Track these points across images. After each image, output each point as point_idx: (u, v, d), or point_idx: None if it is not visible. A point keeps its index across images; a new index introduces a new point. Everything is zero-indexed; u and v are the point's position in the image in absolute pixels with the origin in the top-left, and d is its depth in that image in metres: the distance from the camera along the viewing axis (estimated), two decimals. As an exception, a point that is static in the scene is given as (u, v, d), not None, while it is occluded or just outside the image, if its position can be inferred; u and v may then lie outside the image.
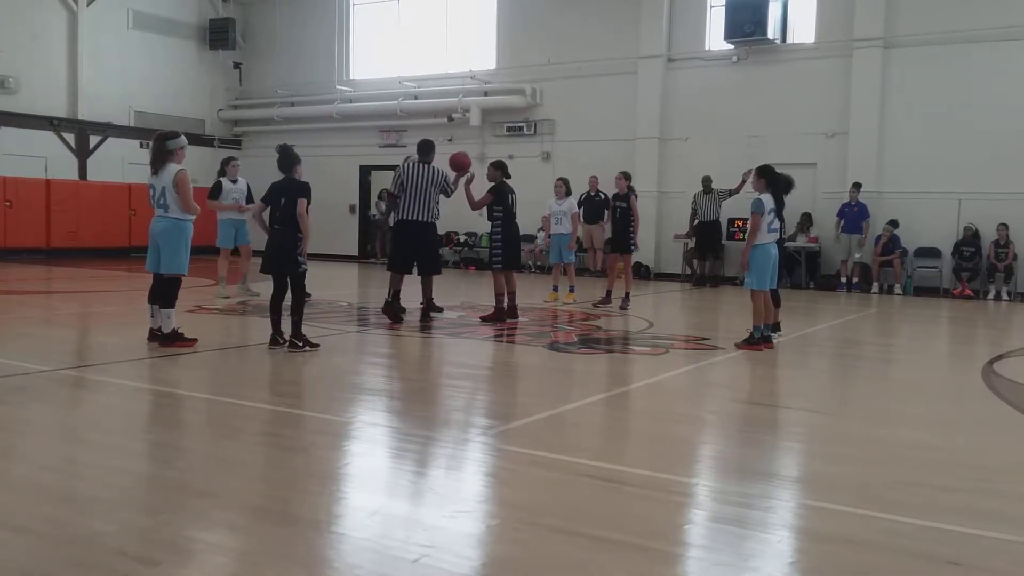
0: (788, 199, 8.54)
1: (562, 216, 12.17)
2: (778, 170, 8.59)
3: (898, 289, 15.22)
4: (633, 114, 17.93)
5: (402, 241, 9.49)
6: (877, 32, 15.63)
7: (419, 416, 5.43)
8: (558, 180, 12.58)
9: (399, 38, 21.48)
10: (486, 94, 19.71)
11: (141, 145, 21.28)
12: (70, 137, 20.15)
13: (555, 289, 12.24)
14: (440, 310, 9.96)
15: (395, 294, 9.47)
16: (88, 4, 20.17)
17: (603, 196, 17.41)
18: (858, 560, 3.14)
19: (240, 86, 23.76)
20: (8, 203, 18.43)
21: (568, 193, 12.33)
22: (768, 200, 8.18)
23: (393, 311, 9.43)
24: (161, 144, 7.35)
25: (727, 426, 5.45)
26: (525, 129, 19.43)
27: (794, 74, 16.51)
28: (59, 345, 8.07)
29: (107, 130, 20.61)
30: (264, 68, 23.37)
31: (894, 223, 15.27)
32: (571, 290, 12.14)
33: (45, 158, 19.57)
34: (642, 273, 17.43)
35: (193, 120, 22.72)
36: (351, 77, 22.16)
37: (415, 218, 9.32)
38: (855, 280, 15.50)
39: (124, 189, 20.39)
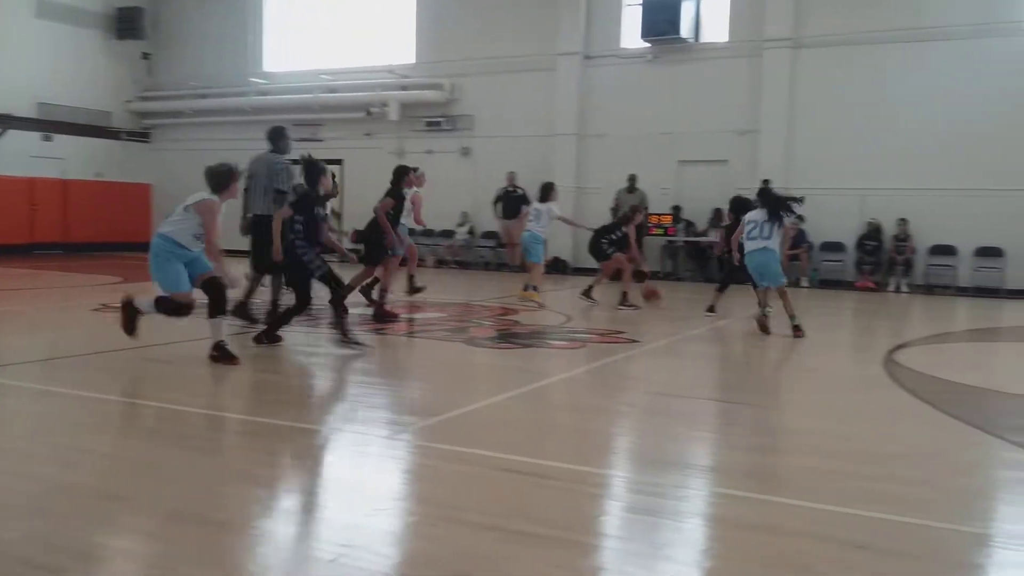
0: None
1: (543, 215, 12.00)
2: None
3: (805, 282, 15.75)
4: (551, 111, 18.08)
5: (256, 238, 8.50)
6: (786, 33, 16.13)
7: (335, 414, 5.38)
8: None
9: (316, 30, 21.15)
10: (404, 88, 19.59)
11: (45, 138, 20.48)
12: (-34, 129, 19.25)
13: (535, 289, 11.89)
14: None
15: (248, 294, 8.64)
16: (-14, -10, 19.31)
17: (521, 192, 17.54)
18: (769, 546, 3.25)
19: (149, 77, 23.05)
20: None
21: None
22: (758, 214, 9.09)
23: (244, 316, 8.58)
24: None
25: (642, 418, 5.56)
26: (444, 124, 19.39)
27: (707, 73, 16.90)
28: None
29: (7, 122, 19.72)
30: (174, 59, 22.72)
31: (801, 218, 15.78)
32: (531, 288, 11.90)
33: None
34: (560, 268, 17.60)
35: (99, 112, 21.96)
36: (265, 69, 21.73)
37: (263, 212, 8.37)
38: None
39: (26, 183, 19.57)
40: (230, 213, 8.08)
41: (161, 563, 3.02)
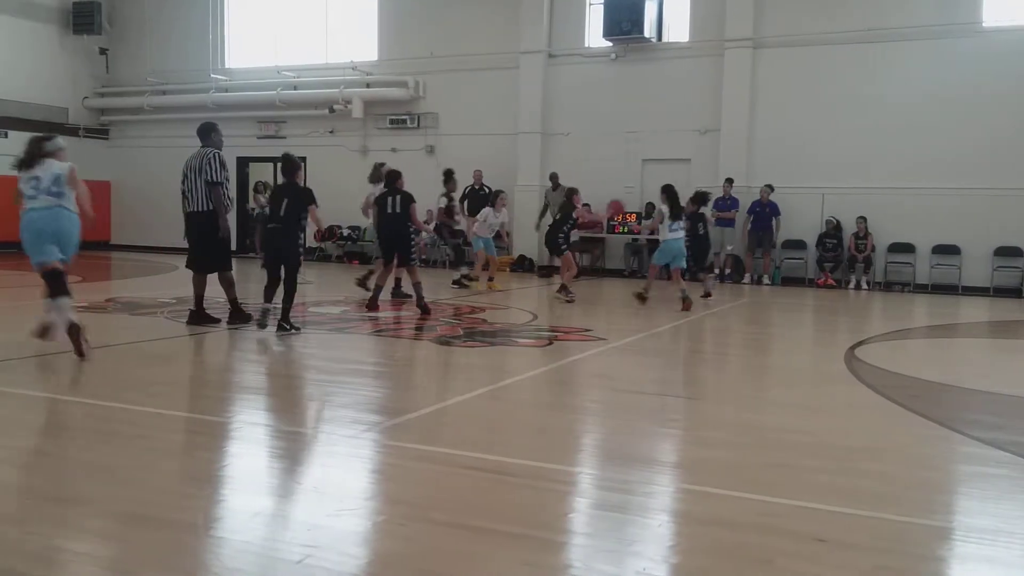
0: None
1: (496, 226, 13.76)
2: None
3: (767, 280, 15.92)
4: (515, 109, 18.07)
5: (190, 237, 8.44)
6: (747, 33, 16.28)
7: (301, 414, 5.33)
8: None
9: (278, 26, 20.92)
10: (368, 86, 19.46)
11: (-3, 134, 20.02)
12: (-84, 124, 18.76)
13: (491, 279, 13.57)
14: (247, 318, 8.55)
15: (198, 299, 8.51)
16: (-65, -18, 18.82)
17: (487, 190, 17.52)
18: (734, 540, 3.28)
19: (107, 73, 22.62)
20: None
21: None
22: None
23: (200, 319, 8.48)
24: (39, 147, 6.94)
25: (608, 415, 5.58)
26: (408, 122, 19.28)
27: (669, 72, 17.00)
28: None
29: (-41, 118, 19.27)
30: (133, 55, 22.31)
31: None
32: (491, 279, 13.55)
33: None
34: (526, 266, 17.62)
35: (55, 108, 21.50)
36: (227, 65, 21.45)
37: (195, 209, 8.26)
38: (728, 271, 16.10)
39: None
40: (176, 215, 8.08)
41: (121, 566, 2.96)
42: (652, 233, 12.57)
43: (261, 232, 9.66)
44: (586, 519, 3.61)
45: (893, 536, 3.40)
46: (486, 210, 13.66)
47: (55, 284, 6.72)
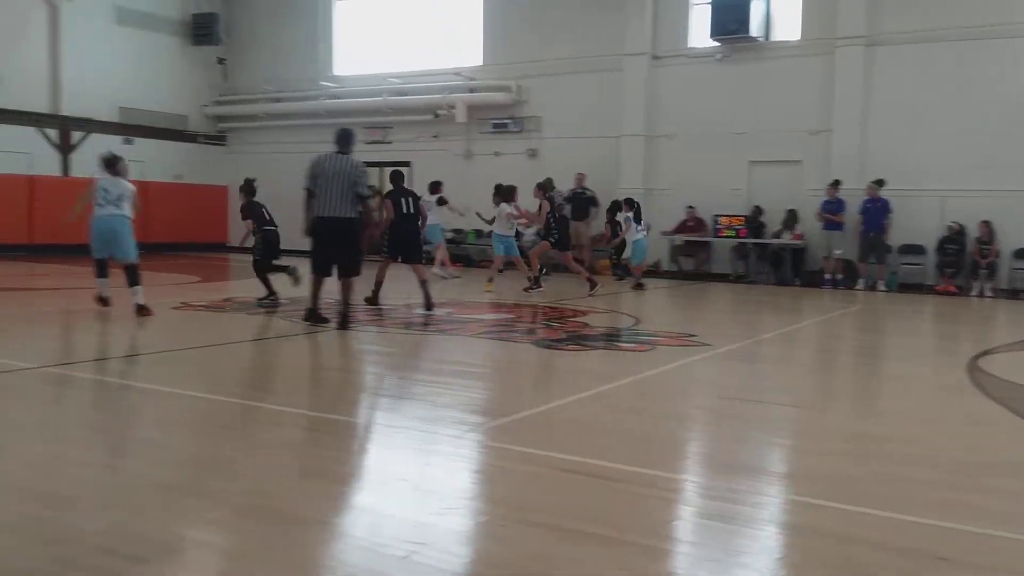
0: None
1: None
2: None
3: (882, 285, 15.31)
4: (619, 111, 17.95)
5: (316, 240, 8.50)
6: (860, 30, 15.71)
7: (408, 413, 5.42)
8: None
9: (385, 34, 21.41)
10: (472, 91, 19.68)
11: (125, 141, 21.15)
12: (53, 133, 19.97)
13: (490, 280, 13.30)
14: (348, 323, 8.55)
15: (314, 299, 8.69)
16: (69, -1, 20.02)
17: (590, 193, 17.48)
18: (845, 555, 3.16)
19: (224, 82, 23.62)
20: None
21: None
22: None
23: (316, 318, 8.65)
24: (115, 166, 9.29)
25: (714, 422, 5.47)
26: (511, 126, 19.41)
27: (778, 72, 16.58)
28: (42, 342, 8.00)
29: (90, 126, 20.43)
30: (249, 64, 23.24)
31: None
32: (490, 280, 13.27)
33: (28, 154, 19.39)
34: (629, 271, 17.44)
35: (176, 116, 22.58)
36: (336, 73, 22.07)
37: (328, 214, 8.31)
38: (839, 276, 15.56)
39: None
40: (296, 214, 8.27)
41: (238, 557, 3.07)
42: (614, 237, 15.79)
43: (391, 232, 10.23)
44: (690, 527, 3.55)
45: (1019, 558, 3.21)
46: (503, 206, 13.30)
47: (131, 276, 9.07)
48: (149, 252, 13.49)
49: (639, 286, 14.22)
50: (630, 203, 14.44)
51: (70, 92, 20.09)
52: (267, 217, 10.53)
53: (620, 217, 14.68)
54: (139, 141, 21.55)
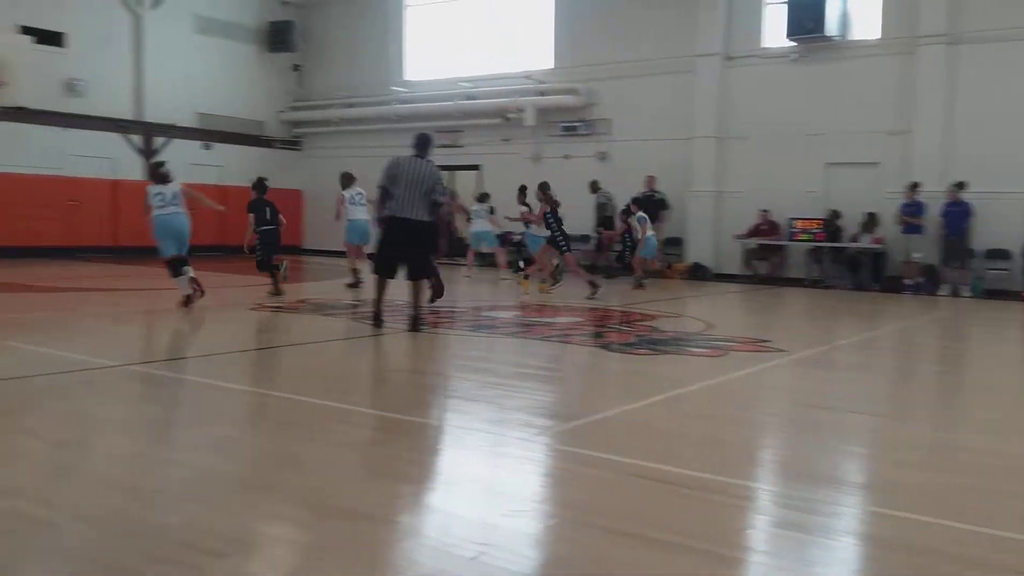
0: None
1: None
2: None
3: (966, 291, 14.78)
4: (690, 113, 17.74)
5: (386, 241, 8.54)
6: (941, 28, 15.22)
7: (477, 415, 5.44)
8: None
9: (455, 39, 21.58)
10: (542, 94, 19.69)
11: (204, 147, 21.77)
12: (136, 138, 20.66)
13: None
14: (419, 326, 8.57)
15: (377, 301, 8.69)
16: (152, 8, 20.67)
17: (660, 195, 17.30)
18: (925, 568, 3.06)
19: (299, 88, 24.12)
20: (75, 202, 18.95)
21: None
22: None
23: (381, 321, 8.65)
24: (163, 174, 10.21)
25: (788, 429, 5.36)
26: (581, 129, 19.35)
27: (855, 71, 16.16)
28: (126, 341, 8.28)
29: (171, 132, 21.08)
30: (322, 70, 23.69)
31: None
32: (526, 277, 13.42)
33: (112, 159, 20.09)
34: (701, 274, 17.25)
35: (253, 122, 23.14)
36: (407, 78, 22.34)
37: (403, 216, 8.33)
38: (920, 281, 15.08)
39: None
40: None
41: (312, 553, 3.12)
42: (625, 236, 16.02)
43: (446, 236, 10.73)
44: (763, 536, 3.47)
45: (1116, 576, 3.06)
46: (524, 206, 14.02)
47: (176, 266, 9.90)
48: (227, 254, 13.86)
49: (640, 285, 14.50)
50: (639, 203, 15.34)
51: (152, 99, 20.76)
52: (267, 217, 11.38)
53: (634, 220, 14.94)
54: (217, 146, 22.17)
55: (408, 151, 8.67)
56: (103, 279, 14.76)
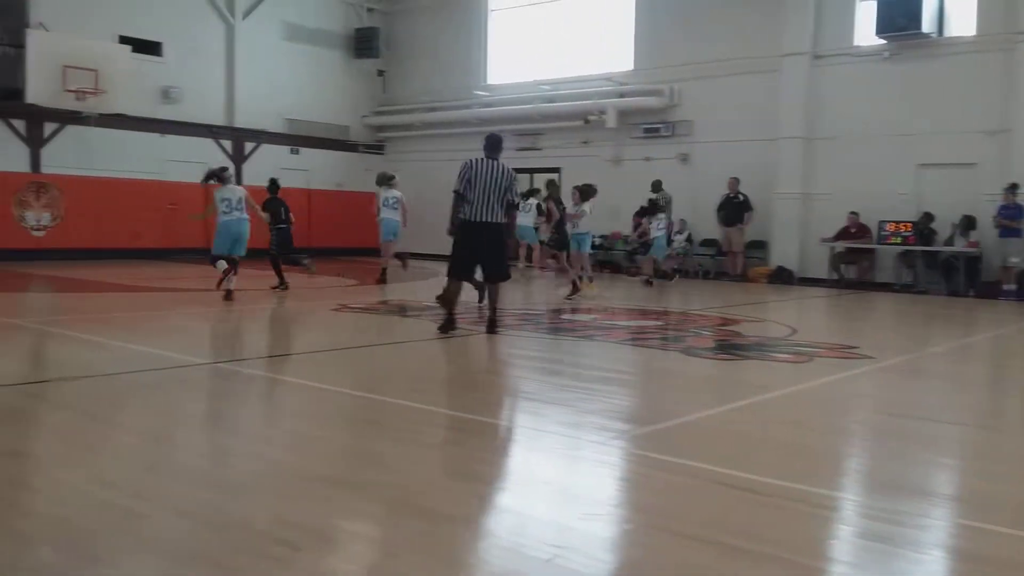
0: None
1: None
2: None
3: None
4: (775, 114, 17.36)
5: (464, 244, 8.51)
6: (1045, 22, 14.57)
7: (552, 417, 5.44)
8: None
9: (536, 42, 21.63)
10: (622, 96, 19.56)
11: (292, 151, 22.34)
12: (227, 144, 21.33)
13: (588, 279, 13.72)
14: (495, 327, 8.63)
15: (451, 304, 8.64)
16: (244, 17, 21.33)
17: (742, 197, 17.01)
18: (1021, 586, 2.93)
19: (383, 93, 24.53)
20: (172, 206, 19.68)
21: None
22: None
23: (449, 324, 8.59)
24: (225, 177, 11.29)
25: (874, 438, 5.19)
26: (662, 130, 19.15)
27: (951, 69, 15.57)
28: (215, 339, 8.56)
29: (261, 137, 21.71)
30: (406, 75, 24.04)
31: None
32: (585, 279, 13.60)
33: (205, 164, 20.77)
34: (785, 278, 16.87)
35: (338, 127, 23.63)
36: (489, 82, 22.49)
37: (480, 219, 8.31)
38: (1016, 287, 14.42)
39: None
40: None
41: (387, 549, 3.17)
42: (641, 237, 16.08)
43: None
44: (847, 547, 3.38)
45: None
46: (584, 205, 13.58)
47: (235, 267, 10.87)
48: (312, 256, 14.21)
49: (648, 283, 15.07)
50: (652, 203, 15.79)
51: (242, 105, 21.42)
52: (283, 216, 12.29)
53: (653, 223, 15.29)
54: (304, 151, 22.73)
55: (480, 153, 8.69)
56: (197, 279, 15.27)
